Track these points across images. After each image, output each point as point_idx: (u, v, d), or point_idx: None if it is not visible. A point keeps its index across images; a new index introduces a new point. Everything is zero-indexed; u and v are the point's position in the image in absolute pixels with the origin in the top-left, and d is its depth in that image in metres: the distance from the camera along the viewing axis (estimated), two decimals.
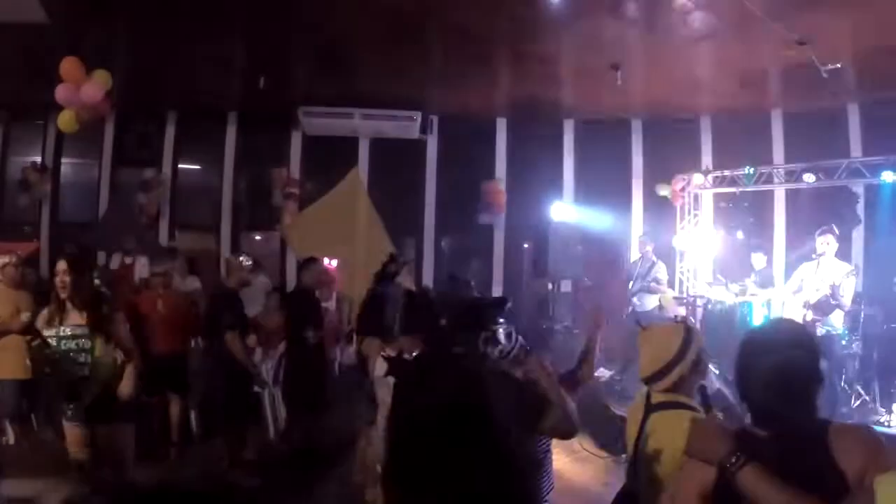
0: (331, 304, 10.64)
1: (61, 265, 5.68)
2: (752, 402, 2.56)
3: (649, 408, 3.59)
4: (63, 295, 5.58)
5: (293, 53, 10.95)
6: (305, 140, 14.72)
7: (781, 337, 2.60)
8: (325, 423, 8.57)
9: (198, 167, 15.61)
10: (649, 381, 3.60)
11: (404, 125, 13.95)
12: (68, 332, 5.57)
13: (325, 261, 11.12)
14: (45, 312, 5.73)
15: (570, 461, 8.92)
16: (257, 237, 15.45)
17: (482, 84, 12.45)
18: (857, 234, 12.38)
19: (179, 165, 14.86)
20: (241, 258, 9.33)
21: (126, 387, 5.68)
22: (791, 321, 4.03)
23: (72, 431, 5.60)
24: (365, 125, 13.92)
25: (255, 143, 14.84)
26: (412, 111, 13.77)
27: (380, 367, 6.42)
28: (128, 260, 12.52)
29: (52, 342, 5.54)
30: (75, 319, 5.61)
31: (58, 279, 5.61)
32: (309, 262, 9.36)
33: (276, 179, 14.14)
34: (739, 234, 13.00)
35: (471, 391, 2.72)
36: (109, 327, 5.69)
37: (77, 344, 5.57)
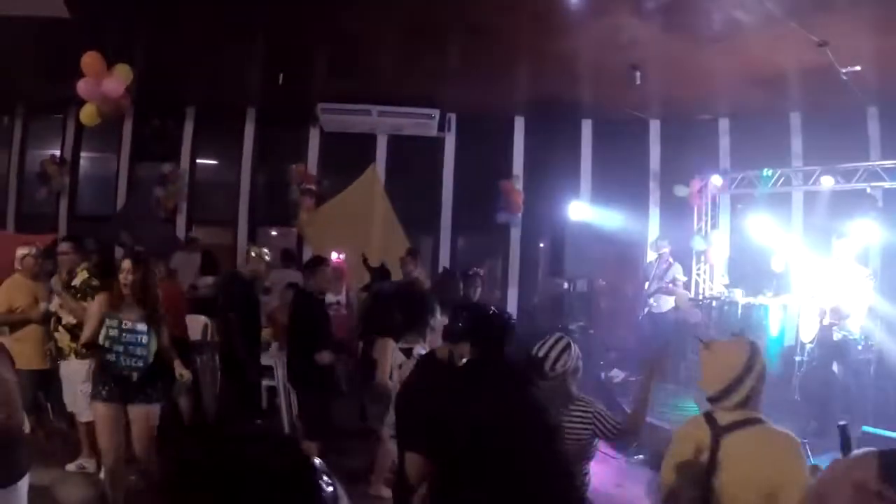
0: (341, 298, 10.68)
1: (126, 263, 6.20)
2: None
3: (719, 430, 3.33)
4: (126, 291, 6.09)
5: (312, 50, 10.98)
6: (323, 136, 14.80)
7: None
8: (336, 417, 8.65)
9: (216, 162, 15.68)
10: (716, 399, 3.36)
11: (422, 122, 13.98)
12: (129, 324, 6.02)
13: (334, 255, 11.17)
14: (102, 300, 6.20)
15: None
16: (274, 233, 15.50)
17: (500, 82, 12.45)
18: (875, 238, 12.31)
19: (197, 160, 14.96)
20: (262, 250, 9.49)
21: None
22: None
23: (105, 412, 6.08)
24: (383, 122, 13.98)
25: (273, 139, 14.92)
26: (430, 109, 13.81)
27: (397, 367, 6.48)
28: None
29: (114, 332, 5.98)
30: (132, 313, 6.08)
31: (122, 275, 6.11)
32: (314, 265, 9.35)
33: (294, 175, 14.17)
34: (756, 237, 12.96)
35: (535, 404, 2.74)
36: (161, 324, 6.26)
37: (136, 338, 6.04)
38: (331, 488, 1.44)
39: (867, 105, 12.66)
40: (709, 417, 3.42)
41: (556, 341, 4.31)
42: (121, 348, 5.98)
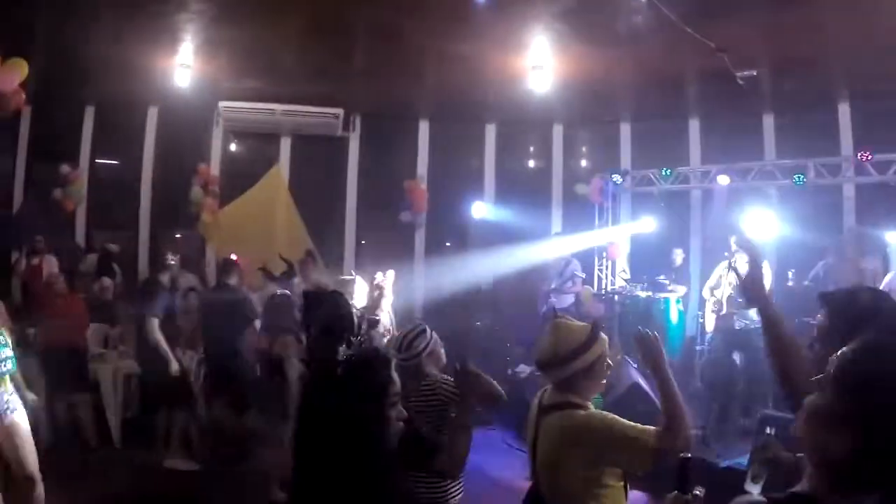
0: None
1: None
2: None
3: (542, 409, 3.59)
4: None
5: (214, 47, 10.81)
6: (226, 136, 14.60)
7: None
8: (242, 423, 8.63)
9: (117, 162, 15.31)
10: (541, 367, 3.59)
11: (326, 122, 13.84)
12: None
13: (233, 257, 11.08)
14: None
15: (495, 456, 8.99)
16: (177, 235, 15.18)
17: (405, 83, 12.45)
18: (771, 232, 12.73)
19: (98, 160, 14.56)
20: (167, 255, 9.48)
21: None
22: None
23: None
24: (286, 121, 13.78)
25: (175, 139, 14.53)
26: (335, 108, 13.70)
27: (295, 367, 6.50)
28: (34, 260, 12.19)
29: None
30: None
31: None
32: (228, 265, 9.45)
33: (196, 176, 13.93)
34: (656, 233, 13.27)
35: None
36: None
37: None
38: None
39: (762, 107, 13.02)
40: (542, 393, 3.68)
41: (414, 328, 4.69)
42: None
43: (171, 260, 10.03)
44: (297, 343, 7.42)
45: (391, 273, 7.96)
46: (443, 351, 4.73)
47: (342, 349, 4.48)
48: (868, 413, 1.71)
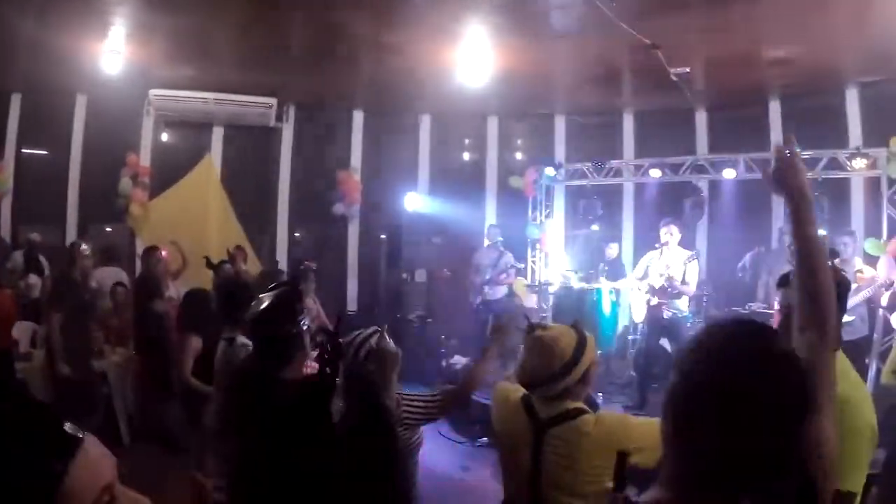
0: (173, 293, 10.40)
1: None
2: None
3: (540, 424, 3.29)
4: None
5: (147, 33, 10.57)
6: (157, 125, 14.31)
7: None
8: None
9: (45, 153, 14.87)
10: (536, 387, 3.31)
11: (260, 112, 13.65)
12: None
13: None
14: None
15: (428, 447, 8.99)
16: (108, 228, 14.80)
17: (339, 73, 12.32)
18: (702, 226, 12.97)
19: (24, 150, 14.14)
20: (82, 246, 9.08)
21: None
22: None
23: None
24: (219, 111, 13.55)
25: (105, 128, 14.05)
26: (268, 98, 13.52)
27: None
28: None
29: None
30: None
31: None
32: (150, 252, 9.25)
33: (126, 167, 13.62)
34: (595, 227, 13.41)
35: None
36: None
37: None
38: None
39: (695, 103, 13.21)
40: (528, 405, 3.37)
41: (370, 333, 3.94)
42: None
43: (85, 252, 9.44)
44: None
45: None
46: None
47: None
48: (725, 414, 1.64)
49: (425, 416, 3.95)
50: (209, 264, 9.90)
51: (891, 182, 10.38)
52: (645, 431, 3.05)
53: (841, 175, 10.90)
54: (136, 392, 9.33)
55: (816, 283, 2.17)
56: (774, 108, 12.84)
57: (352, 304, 14.76)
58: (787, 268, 3.98)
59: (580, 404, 3.29)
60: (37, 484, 1.24)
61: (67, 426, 1.32)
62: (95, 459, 1.33)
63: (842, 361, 2.89)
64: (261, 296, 4.01)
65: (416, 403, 3.92)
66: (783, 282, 3.17)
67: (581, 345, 3.30)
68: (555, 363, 3.23)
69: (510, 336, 4.19)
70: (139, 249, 13.28)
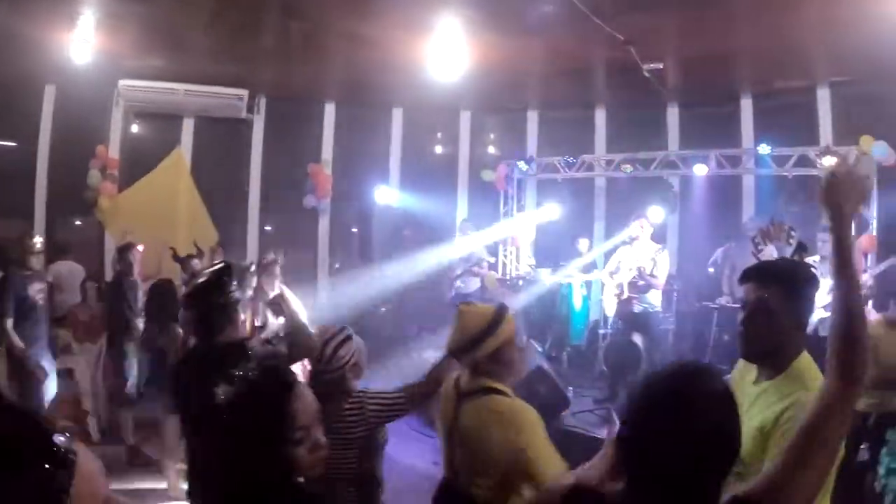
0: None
1: None
2: None
3: (461, 395, 3.55)
4: None
5: (117, 22, 10.44)
6: (127, 116, 14.14)
7: None
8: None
9: (12, 144, 14.67)
10: (455, 353, 3.58)
11: (230, 104, 13.53)
12: None
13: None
14: None
15: (396, 441, 8.95)
16: (77, 222, 14.62)
17: (311, 65, 12.25)
18: (673, 221, 13.01)
19: None
20: (33, 240, 8.78)
21: None
22: None
23: None
24: (190, 102, 13.42)
25: (73, 119, 13.82)
26: (239, 90, 13.42)
27: None
28: None
29: None
30: None
31: None
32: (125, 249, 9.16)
33: (94, 158, 13.46)
34: (561, 219, 13.45)
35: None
36: None
37: None
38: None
39: (667, 99, 13.26)
40: (457, 380, 3.63)
41: (338, 333, 3.97)
42: None
43: (37, 246, 9.05)
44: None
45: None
46: (364, 359, 4.11)
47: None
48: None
49: (391, 412, 3.96)
50: (175, 257, 9.83)
51: None
52: (544, 455, 3.25)
53: (812, 172, 10.95)
54: (106, 388, 9.25)
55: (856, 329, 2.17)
56: (746, 105, 12.91)
57: (322, 299, 14.70)
58: (751, 262, 3.99)
59: (500, 386, 3.46)
60: None
61: (59, 439, 1.29)
62: (92, 474, 1.30)
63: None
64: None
65: (381, 401, 3.94)
66: (745, 277, 3.16)
67: (496, 321, 3.49)
68: (467, 333, 3.48)
69: None
70: (108, 243, 13.21)
